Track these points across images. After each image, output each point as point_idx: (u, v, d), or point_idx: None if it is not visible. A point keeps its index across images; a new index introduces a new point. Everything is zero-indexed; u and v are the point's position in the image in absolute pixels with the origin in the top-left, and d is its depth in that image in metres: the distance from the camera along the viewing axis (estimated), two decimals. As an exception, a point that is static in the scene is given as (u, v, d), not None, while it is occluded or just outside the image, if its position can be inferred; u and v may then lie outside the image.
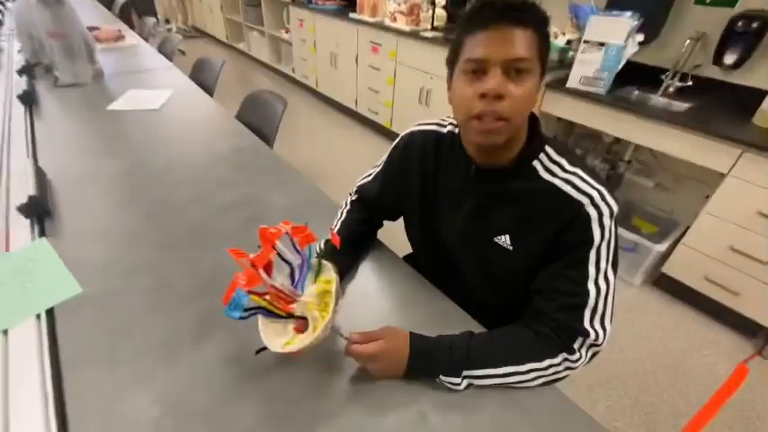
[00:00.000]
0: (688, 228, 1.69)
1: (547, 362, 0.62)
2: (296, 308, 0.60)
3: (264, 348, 0.59)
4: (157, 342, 0.66)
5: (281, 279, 0.60)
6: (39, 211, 0.92)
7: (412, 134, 0.82)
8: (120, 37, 2.54)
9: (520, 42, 0.56)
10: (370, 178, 0.90)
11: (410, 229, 0.91)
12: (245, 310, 0.54)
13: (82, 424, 0.54)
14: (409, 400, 0.60)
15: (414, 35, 2.55)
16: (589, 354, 0.65)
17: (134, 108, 1.56)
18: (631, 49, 1.74)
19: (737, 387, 1.46)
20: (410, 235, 0.93)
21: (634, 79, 1.96)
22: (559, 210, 0.63)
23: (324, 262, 0.66)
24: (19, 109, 1.48)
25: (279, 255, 0.60)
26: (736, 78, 1.76)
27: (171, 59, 2.31)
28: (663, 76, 1.90)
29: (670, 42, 1.88)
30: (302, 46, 3.78)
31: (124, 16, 3.83)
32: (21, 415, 0.55)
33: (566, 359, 0.63)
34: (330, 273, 0.64)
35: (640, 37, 1.75)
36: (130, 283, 0.77)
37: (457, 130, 0.74)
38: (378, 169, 0.89)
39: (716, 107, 1.71)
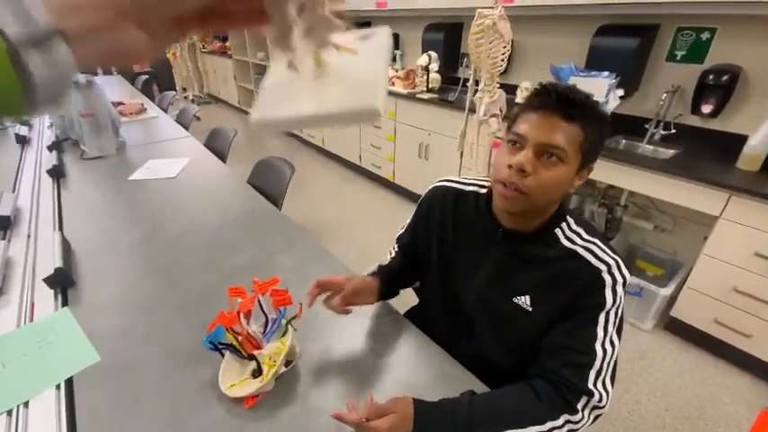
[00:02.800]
0: (692, 268, 1.69)
1: (549, 424, 0.63)
2: (257, 353, 0.72)
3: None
4: (168, 410, 0.69)
5: (255, 327, 0.74)
6: (63, 282, 0.99)
7: (435, 189, 0.89)
8: (142, 110, 2.77)
9: (560, 132, 0.63)
10: (403, 230, 0.97)
11: (425, 284, 0.95)
12: (220, 343, 0.68)
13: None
14: None
15: (411, 97, 2.74)
16: (592, 416, 0.66)
17: (153, 177, 1.68)
18: (613, 103, 1.86)
19: (765, 438, 1.39)
20: (423, 289, 0.97)
21: (620, 129, 2.07)
22: (579, 274, 0.68)
23: (290, 327, 0.75)
24: (47, 182, 1.60)
25: (260, 306, 0.75)
26: (717, 125, 1.86)
27: (188, 129, 2.50)
28: (647, 126, 2.01)
29: (650, 94, 2.01)
30: (308, 108, 4.04)
31: (146, 90, 4.18)
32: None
33: (568, 421, 0.64)
34: (289, 337, 0.74)
35: (621, 92, 1.89)
36: (144, 351, 0.81)
37: (482, 191, 0.81)
38: (409, 220, 0.96)
39: (700, 153, 1.79)
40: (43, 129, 2.41)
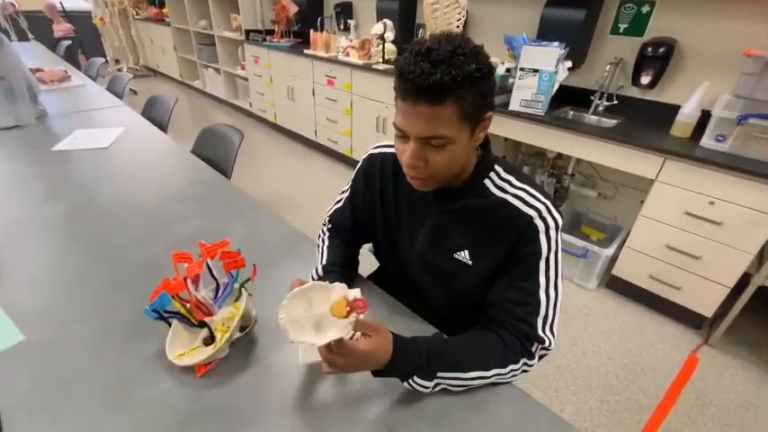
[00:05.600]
0: (630, 230, 1.83)
1: (509, 367, 0.65)
2: (209, 320, 0.68)
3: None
4: (104, 389, 0.63)
5: (204, 292, 0.69)
6: (-27, 258, 0.86)
7: (371, 157, 0.85)
8: (65, 77, 2.47)
9: (433, 121, 0.57)
10: (339, 204, 0.92)
11: (376, 250, 0.94)
12: (166, 311, 0.63)
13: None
14: (377, 414, 0.60)
15: (366, 68, 2.67)
16: (540, 358, 0.69)
17: (81, 147, 1.51)
18: (562, 74, 1.92)
19: (690, 377, 1.56)
20: (377, 255, 0.96)
21: (568, 101, 2.15)
22: (511, 223, 0.67)
23: (244, 290, 0.71)
24: (-49, 155, 1.39)
25: (209, 270, 0.70)
26: (654, 96, 1.98)
27: (121, 98, 2.27)
28: (592, 97, 2.11)
29: (594, 67, 2.10)
30: (259, 81, 3.84)
31: (70, 57, 3.73)
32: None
33: (525, 363, 0.67)
34: (243, 301, 0.70)
35: (569, 63, 1.95)
36: (75, 328, 0.73)
37: None
38: (345, 195, 0.91)
39: (639, 122, 1.91)
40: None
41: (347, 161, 3.22)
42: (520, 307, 0.67)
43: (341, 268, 0.83)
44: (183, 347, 0.67)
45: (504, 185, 0.70)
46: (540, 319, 0.67)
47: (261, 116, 4.05)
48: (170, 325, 0.68)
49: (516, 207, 0.67)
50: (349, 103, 2.93)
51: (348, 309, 0.54)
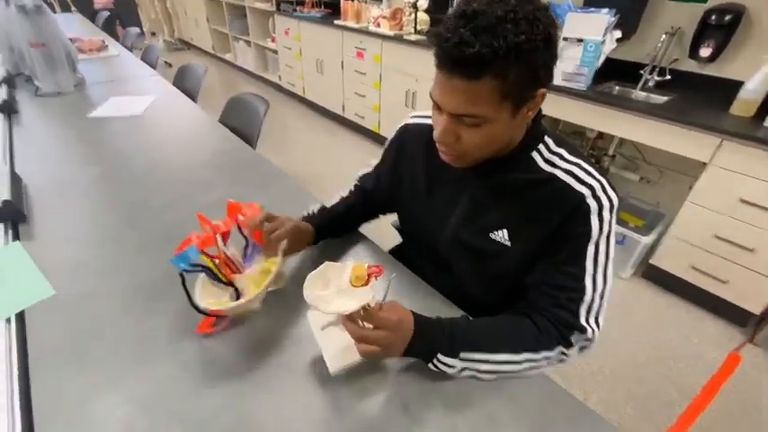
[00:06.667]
0: (673, 219, 1.70)
1: (543, 353, 0.61)
2: (237, 278, 0.66)
3: (197, 308, 0.61)
4: (130, 343, 0.64)
5: (233, 249, 0.68)
6: (13, 215, 0.90)
7: (406, 128, 0.80)
8: (103, 47, 2.52)
9: (470, 97, 0.51)
10: (369, 170, 0.89)
11: (402, 224, 0.90)
12: (192, 265, 0.60)
13: (48, 425, 0.52)
14: (392, 390, 0.58)
15: (398, 39, 2.57)
16: (580, 349, 0.64)
17: (116, 114, 1.54)
18: (610, 45, 1.77)
19: (730, 375, 1.46)
20: (401, 229, 0.92)
21: (614, 75, 1.99)
22: (560, 201, 0.61)
23: (280, 248, 0.69)
24: (-2, 119, 1.45)
25: (239, 228, 0.68)
26: (713, 71, 1.79)
27: (155, 67, 2.30)
28: (642, 71, 1.94)
29: (647, 38, 1.92)
30: (288, 54, 3.80)
31: (109, 28, 3.82)
32: (-16, 418, 0.52)
33: (561, 352, 0.62)
34: (278, 260, 0.68)
35: (618, 33, 1.79)
36: (104, 285, 0.75)
37: None
38: (376, 161, 0.88)
39: (694, 99, 1.74)
40: (-7, 64, 2.18)
41: (374, 137, 3.16)
42: (562, 293, 0.62)
43: (334, 221, 0.84)
44: (212, 298, 0.65)
45: (553, 159, 0.63)
46: (584, 307, 0.61)
47: (290, 90, 4.03)
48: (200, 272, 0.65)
49: (567, 183, 0.61)
50: (378, 77, 2.85)
51: (368, 274, 0.54)
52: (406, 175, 0.79)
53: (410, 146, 0.78)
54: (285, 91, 4.14)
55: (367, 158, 0.89)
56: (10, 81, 1.76)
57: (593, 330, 0.62)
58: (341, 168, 2.81)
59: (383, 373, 0.61)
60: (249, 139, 1.39)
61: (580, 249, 0.61)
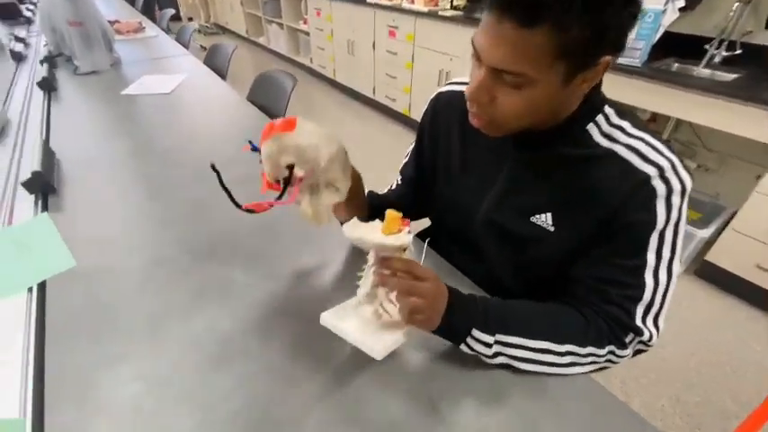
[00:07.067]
0: (736, 212, 1.52)
1: (589, 349, 0.53)
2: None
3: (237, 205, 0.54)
4: (144, 319, 0.62)
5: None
6: (43, 187, 0.90)
7: (438, 96, 0.72)
8: (140, 29, 2.56)
9: (517, 49, 0.43)
10: (406, 159, 0.82)
11: (434, 206, 0.81)
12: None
13: (58, 397, 0.50)
14: (418, 385, 0.53)
15: (432, 15, 2.44)
16: (636, 353, 0.57)
17: (146, 92, 1.55)
18: (671, 16, 1.58)
19: (796, 387, 1.31)
20: (432, 209, 0.84)
21: (673, 50, 1.79)
22: (619, 182, 0.51)
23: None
24: (39, 96, 1.49)
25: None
26: (794, 43, 1.57)
27: (187, 47, 2.31)
28: (707, 46, 1.73)
29: (715, 7, 1.70)
30: (319, 35, 3.74)
31: (148, 12, 3.91)
32: (-2, 387, 0.51)
33: (611, 352, 0.54)
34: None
35: (681, 2, 1.59)
36: (124, 259, 0.74)
37: None
38: (411, 146, 0.81)
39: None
40: (39, 46, 2.27)
41: (404, 121, 3.07)
42: (615, 288, 0.54)
43: (382, 199, 0.77)
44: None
45: (613, 133, 0.53)
46: (642, 306, 0.53)
47: (320, 72, 3.99)
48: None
49: (628, 162, 0.51)
50: (410, 56, 2.74)
51: (401, 223, 0.50)
52: (441, 149, 0.71)
53: (443, 115, 0.70)
54: (316, 74, 4.10)
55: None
56: (51, 60, 1.81)
57: (650, 333, 0.54)
58: (369, 152, 2.74)
59: (407, 363, 0.55)
60: (276, 116, 1.35)
61: (641, 239, 0.52)
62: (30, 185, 0.89)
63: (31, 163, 0.96)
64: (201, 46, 5.07)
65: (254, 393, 0.51)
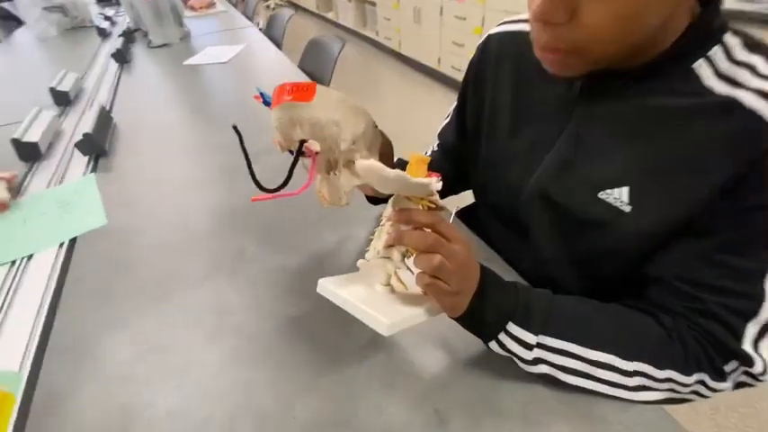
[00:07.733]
0: None
1: (668, 373, 0.39)
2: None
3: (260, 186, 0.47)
4: (155, 281, 0.60)
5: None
6: (94, 148, 0.94)
7: (488, 39, 0.58)
8: (211, 4, 2.66)
9: None
10: (447, 119, 0.70)
11: (474, 173, 0.65)
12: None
13: (57, 355, 0.50)
14: (424, 391, 0.43)
15: (507, -29, 2.18)
16: (739, 386, 0.40)
17: (206, 62, 1.58)
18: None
19: None
20: (474, 181, 0.68)
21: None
22: (742, 145, 0.35)
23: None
24: (114, 67, 1.61)
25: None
26: None
27: (251, 19, 2.35)
28: None
29: None
30: (386, 5, 3.59)
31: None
32: (7, 334, 0.52)
33: (701, 382, 0.39)
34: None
35: None
36: (150, 221, 0.73)
37: None
38: (454, 105, 0.68)
39: None
40: (123, 23, 2.47)
41: (471, 93, 2.84)
42: (718, 296, 0.38)
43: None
44: None
45: (737, 73, 0.36)
46: (756, 325, 0.37)
47: (386, 45, 3.85)
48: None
49: (760, 116, 0.34)
50: (480, 21, 2.49)
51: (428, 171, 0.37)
52: (487, 104, 0.57)
53: (492, 62, 0.56)
54: (381, 47, 3.97)
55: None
56: (128, 35, 1.94)
57: (765, 363, 0.37)
58: (430, 128, 2.59)
59: (415, 362, 0.46)
60: (321, 80, 1.29)
61: (757, 229, 0.36)
62: (82, 146, 0.93)
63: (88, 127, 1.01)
64: (257, 23, 5.20)
65: (245, 380, 0.45)
